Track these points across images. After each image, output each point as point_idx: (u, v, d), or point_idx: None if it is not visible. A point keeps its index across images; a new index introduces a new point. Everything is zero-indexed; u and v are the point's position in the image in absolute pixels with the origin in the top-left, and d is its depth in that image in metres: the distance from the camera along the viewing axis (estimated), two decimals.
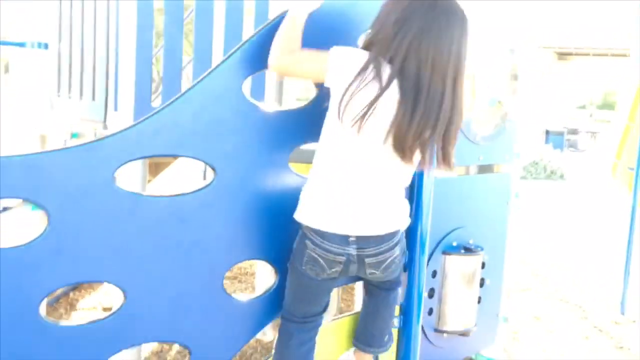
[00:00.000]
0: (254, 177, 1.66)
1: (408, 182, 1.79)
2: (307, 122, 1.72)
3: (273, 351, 1.86)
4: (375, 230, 1.72)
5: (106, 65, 2.83)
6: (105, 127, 2.86)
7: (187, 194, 1.54)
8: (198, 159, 1.57)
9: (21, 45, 3.46)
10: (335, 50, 1.61)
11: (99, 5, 2.87)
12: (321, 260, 1.69)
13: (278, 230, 1.77)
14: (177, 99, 1.48)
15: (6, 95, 4.07)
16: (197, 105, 1.52)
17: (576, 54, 17.67)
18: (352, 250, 1.70)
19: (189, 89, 1.50)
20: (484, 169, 3.38)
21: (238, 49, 1.54)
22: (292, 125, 1.71)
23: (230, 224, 1.65)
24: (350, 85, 1.53)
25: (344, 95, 1.54)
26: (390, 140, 1.57)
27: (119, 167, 1.42)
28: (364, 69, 1.54)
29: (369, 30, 1.65)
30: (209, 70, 1.51)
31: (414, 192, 2.12)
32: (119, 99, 2.80)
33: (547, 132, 16.55)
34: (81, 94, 3.01)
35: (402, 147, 1.58)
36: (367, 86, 1.53)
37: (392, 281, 1.93)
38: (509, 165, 3.35)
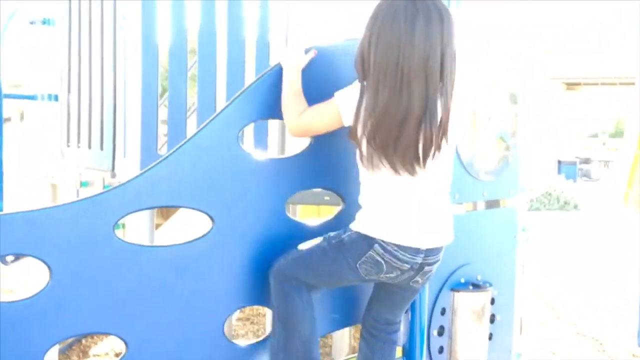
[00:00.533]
0: (252, 225, 1.69)
1: (450, 183, 1.88)
2: (303, 169, 1.76)
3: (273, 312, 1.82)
4: (442, 241, 1.82)
5: (113, 114, 2.91)
6: (113, 176, 2.92)
7: (186, 243, 1.58)
8: (196, 209, 1.60)
9: (32, 98, 3.56)
10: (339, 94, 1.71)
11: (105, 56, 2.96)
12: (384, 265, 1.73)
13: None
14: (174, 151, 1.53)
15: (22, 144, 4.17)
16: (194, 157, 1.56)
17: (585, 84, 17.73)
18: (419, 259, 1.76)
19: (186, 141, 1.55)
20: (490, 203, 3.39)
21: (232, 102, 1.59)
22: (287, 172, 1.75)
23: (229, 271, 1.67)
24: None
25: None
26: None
27: (119, 219, 1.46)
28: None
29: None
30: (205, 122, 1.56)
31: None
32: (126, 148, 2.87)
33: (559, 162, 16.49)
34: (90, 144, 3.09)
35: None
36: None
37: (399, 317, 2.00)
38: (515, 199, 3.36)
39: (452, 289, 2.60)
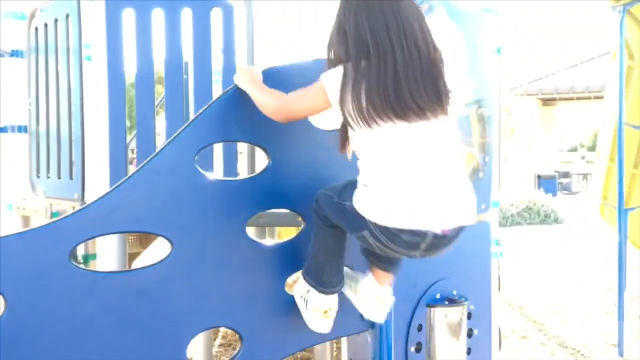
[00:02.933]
0: (212, 246, 1.69)
1: (459, 149, 1.78)
2: (262, 190, 1.77)
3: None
4: (460, 220, 1.67)
5: (82, 143, 2.89)
6: (83, 205, 2.89)
7: (146, 267, 1.56)
8: (155, 234, 1.59)
9: (3, 130, 3.53)
10: (326, 74, 1.67)
11: (72, 87, 2.96)
12: (381, 244, 1.66)
13: (238, 296, 1.77)
14: (131, 176, 1.52)
15: None
16: (152, 181, 1.56)
17: (560, 99, 17.99)
18: (428, 239, 1.63)
19: (142, 165, 1.54)
20: None
21: (188, 125, 1.60)
22: (246, 193, 1.75)
23: (191, 294, 1.66)
24: None
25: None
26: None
27: (75, 246, 1.44)
28: None
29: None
30: (161, 146, 1.56)
31: None
32: (95, 176, 2.85)
33: (539, 177, 16.66)
34: (59, 174, 3.06)
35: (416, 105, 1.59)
36: None
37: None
38: (488, 214, 3.38)
39: (428, 305, 2.60)
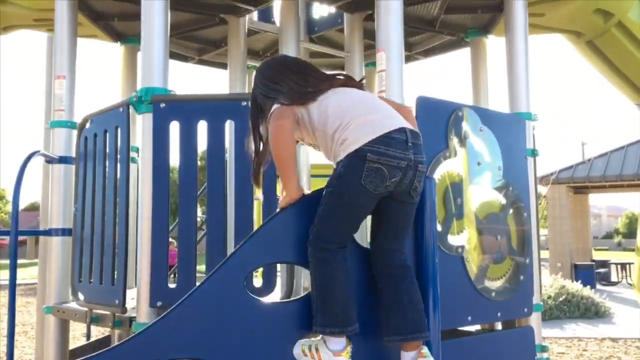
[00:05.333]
0: None
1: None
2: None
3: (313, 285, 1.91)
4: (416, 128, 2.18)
5: (125, 249, 2.96)
6: (124, 311, 2.91)
7: None
8: None
9: (47, 233, 3.63)
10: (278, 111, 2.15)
11: (119, 191, 3.06)
12: (385, 169, 1.99)
13: None
14: (182, 302, 1.54)
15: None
16: (202, 308, 1.57)
17: (592, 187, 17.81)
18: (410, 154, 2.05)
19: (193, 292, 1.56)
20: (506, 324, 3.32)
21: (236, 251, 1.63)
22: (296, 315, 1.75)
23: None
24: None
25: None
26: None
27: None
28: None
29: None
30: (213, 270, 1.59)
31: None
32: (137, 283, 2.89)
33: (575, 267, 16.22)
34: (101, 279, 3.11)
35: None
36: None
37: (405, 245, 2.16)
38: (532, 318, 3.30)
39: None
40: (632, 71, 4.71)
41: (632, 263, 18.89)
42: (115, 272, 3.02)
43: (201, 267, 3.32)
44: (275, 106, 2.17)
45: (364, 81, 2.34)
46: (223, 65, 5.15)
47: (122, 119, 3.06)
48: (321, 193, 2.03)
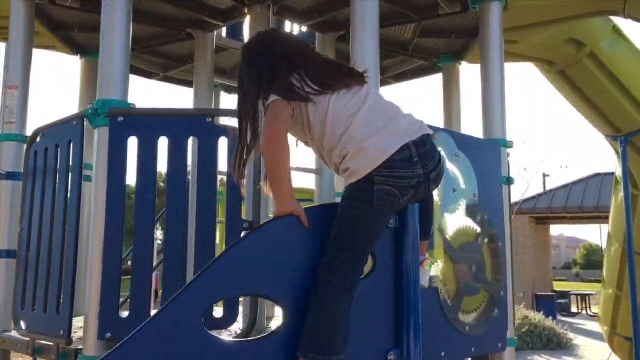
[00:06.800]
0: None
1: None
2: (280, 351, 1.57)
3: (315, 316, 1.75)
4: (423, 130, 2.00)
5: (72, 275, 2.71)
6: (69, 343, 2.66)
7: None
8: None
9: None
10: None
11: (68, 212, 2.83)
12: (396, 190, 1.87)
13: None
14: (126, 341, 1.33)
15: None
16: (150, 350, 1.37)
17: (553, 218, 18.04)
18: (419, 170, 1.92)
19: (140, 329, 1.36)
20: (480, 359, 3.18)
21: (196, 278, 1.43)
22: (263, 356, 1.55)
23: None
24: None
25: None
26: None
27: None
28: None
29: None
30: (165, 304, 1.38)
31: None
32: (84, 312, 2.64)
33: (537, 297, 16.30)
34: (46, 307, 2.84)
35: None
36: None
37: None
38: (506, 353, 3.16)
39: None
40: (603, 102, 4.70)
41: (592, 294, 19.16)
42: (62, 300, 2.76)
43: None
44: (272, 98, 1.97)
45: (366, 75, 2.15)
46: (188, 83, 4.96)
47: (75, 132, 2.83)
48: (315, 213, 1.84)
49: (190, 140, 2.79)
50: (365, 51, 2.93)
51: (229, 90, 5.14)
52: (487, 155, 3.15)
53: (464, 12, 3.75)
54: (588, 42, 4.37)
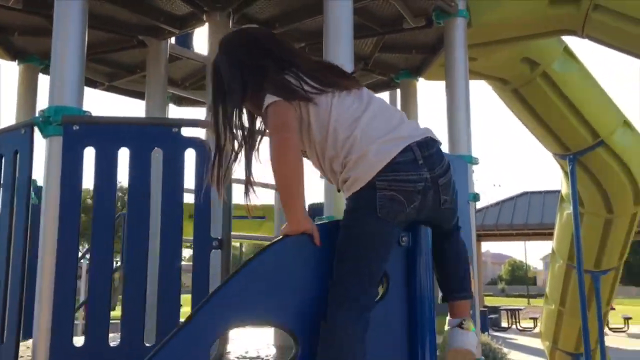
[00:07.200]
0: None
1: None
2: None
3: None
4: (425, 131, 1.83)
5: (19, 300, 2.44)
6: None
7: None
8: None
9: None
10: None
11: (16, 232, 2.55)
12: (400, 195, 1.69)
13: None
14: None
15: None
16: None
17: (485, 235, 18.52)
18: (425, 173, 1.73)
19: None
20: None
21: (200, 308, 1.24)
22: None
23: None
24: None
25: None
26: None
27: None
28: None
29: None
30: (167, 338, 1.20)
31: None
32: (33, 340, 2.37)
33: None
34: None
35: None
36: None
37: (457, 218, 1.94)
38: None
39: None
40: (553, 121, 4.79)
41: (521, 309, 19.74)
42: (6, 327, 2.48)
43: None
44: (270, 99, 1.78)
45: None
46: (136, 94, 4.71)
47: (23, 142, 2.56)
48: (325, 229, 1.67)
49: (155, 152, 2.58)
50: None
51: (179, 101, 4.92)
52: (456, 171, 3.10)
53: (428, 26, 3.72)
54: (541, 62, 4.45)
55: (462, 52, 3.54)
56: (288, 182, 1.69)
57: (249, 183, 1.81)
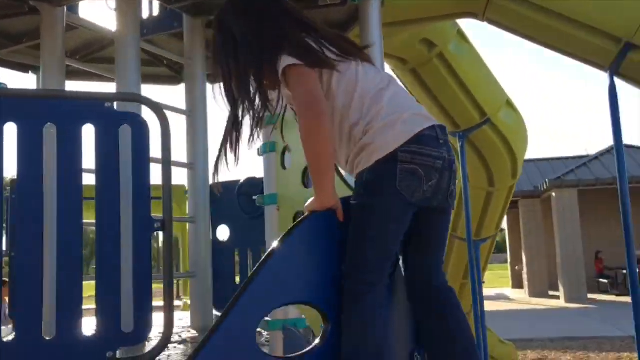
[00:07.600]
0: None
1: None
2: None
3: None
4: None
5: None
6: None
7: None
8: None
9: None
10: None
11: None
12: (421, 171, 1.66)
13: None
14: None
15: None
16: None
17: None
18: (445, 153, 1.73)
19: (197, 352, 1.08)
20: None
21: (245, 288, 1.18)
22: None
23: None
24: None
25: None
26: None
27: None
28: None
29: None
30: (219, 319, 1.13)
31: None
32: None
33: None
34: None
35: None
36: None
37: None
38: None
39: None
40: (446, 99, 5.06)
41: None
42: None
43: None
44: (289, 61, 1.66)
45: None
46: (22, 67, 4.28)
47: None
48: (344, 203, 1.64)
49: (86, 128, 2.38)
50: None
51: (73, 75, 4.53)
52: None
53: (343, 4, 3.74)
54: (439, 43, 4.67)
55: (378, 31, 3.60)
56: (320, 159, 1.63)
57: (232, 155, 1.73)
